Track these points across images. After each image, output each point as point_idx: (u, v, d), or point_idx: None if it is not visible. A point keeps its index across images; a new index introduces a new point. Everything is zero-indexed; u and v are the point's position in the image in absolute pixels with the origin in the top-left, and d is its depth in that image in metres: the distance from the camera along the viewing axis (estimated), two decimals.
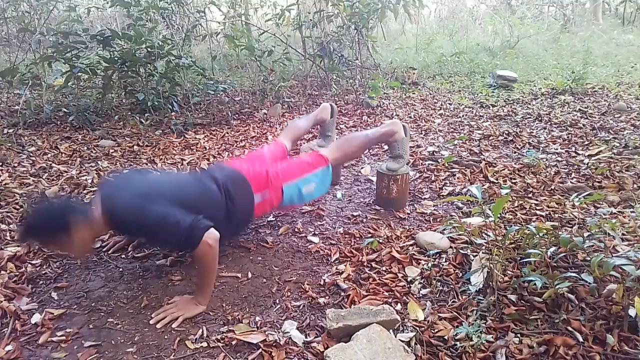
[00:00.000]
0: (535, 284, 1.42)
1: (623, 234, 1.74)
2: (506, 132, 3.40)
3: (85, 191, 2.48)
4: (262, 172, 1.90)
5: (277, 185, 1.89)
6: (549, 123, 3.61)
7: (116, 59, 3.71)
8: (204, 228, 1.49)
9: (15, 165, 2.84)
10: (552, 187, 2.43)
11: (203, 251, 1.48)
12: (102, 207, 1.51)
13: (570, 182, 2.48)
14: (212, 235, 1.49)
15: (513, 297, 1.50)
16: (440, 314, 1.48)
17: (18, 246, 1.91)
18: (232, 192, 1.77)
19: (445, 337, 1.36)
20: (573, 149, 3.00)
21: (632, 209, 2.00)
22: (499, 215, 1.72)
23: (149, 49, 3.73)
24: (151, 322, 1.49)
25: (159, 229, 1.47)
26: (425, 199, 2.42)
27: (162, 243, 1.59)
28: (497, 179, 2.58)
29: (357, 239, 2.01)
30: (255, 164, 1.96)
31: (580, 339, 1.32)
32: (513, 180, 2.56)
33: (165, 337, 1.43)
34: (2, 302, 1.55)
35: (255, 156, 2.11)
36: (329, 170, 2.04)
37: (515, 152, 3.04)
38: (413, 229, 2.08)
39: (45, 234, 1.46)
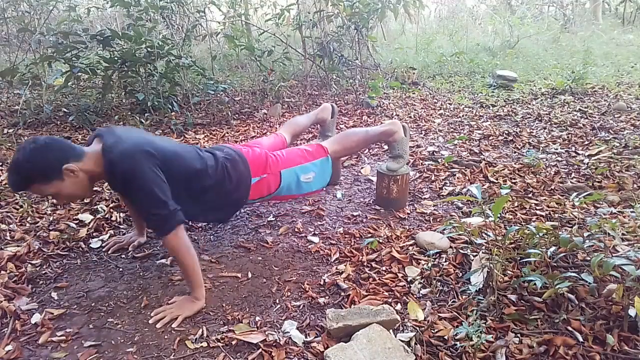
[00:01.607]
0: (535, 284, 1.42)
1: (623, 234, 1.74)
2: (506, 132, 3.40)
3: None
4: (262, 154, 1.91)
5: (275, 170, 1.90)
6: (549, 123, 3.61)
7: (116, 59, 3.71)
8: (178, 222, 1.51)
9: None
10: (552, 187, 2.43)
11: (172, 242, 1.50)
12: (103, 153, 1.49)
13: (570, 182, 2.48)
14: (180, 231, 1.52)
15: (513, 297, 1.50)
16: (440, 314, 1.48)
17: (18, 246, 1.91)
18: (230, 169, 1.79)
19: (445, 337, 1.36)
20: (573, 148, 3.00)
21: (632, 209, 2.00)
22: (499, 215, 1.72)
23: (149, 49, 3.72)
24: (151, 321, 1.49)
25: (141, 194, 1.48)
26: (425, 199, 2.42)
27: (138, 206, 1.57)
28: (497, 179, 2.58)
29: (357, 239, 2.01)
30: (255, 147, 1.97)
31: (580, 339, 1.32)
32: (513, 180, 2.56)
33: (165, 337, 1.43)
34: (2, 302, 1.55)
35: (255, 142, 2.14)
36: (328, 162, 2.04)
37: (515, 152, 3.04)
38: (413, 229, 2.09)
39: (38, 183, 1.43)
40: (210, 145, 3.31)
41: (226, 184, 1.78)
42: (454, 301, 1.55)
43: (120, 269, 1.81)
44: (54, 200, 1.65)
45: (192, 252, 1.55)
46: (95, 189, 2.50)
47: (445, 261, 1.78)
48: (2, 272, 1.73)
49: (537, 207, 2.19)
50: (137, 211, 1.90)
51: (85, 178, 1.52)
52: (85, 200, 2.37)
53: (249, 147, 2.00)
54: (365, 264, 1.80)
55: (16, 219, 2.16)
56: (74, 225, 2.12)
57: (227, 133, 3.60)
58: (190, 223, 2.17)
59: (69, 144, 1.50)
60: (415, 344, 1.36)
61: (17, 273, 1.75)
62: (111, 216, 2.22)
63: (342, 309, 1.49)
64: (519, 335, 1.36)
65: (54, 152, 1.44)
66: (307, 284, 1.68)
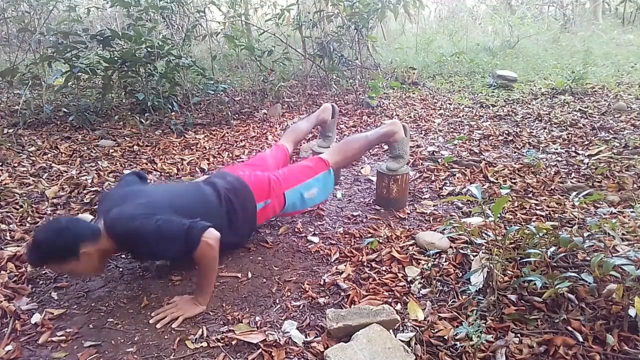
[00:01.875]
0: (535, 284, 1.42)
1: (623, 234, 1.74)
2: (506, 132, 3.40)
3: (85, 191, 2.48)
4: (264, 179, 1.90)
5: (278, 193, 1.90)
6: (549, 123, 3.61)
7: (116, 59, 3.71)
8: (203, 228, 1.49)
9: (15, 165, 2.85)
10: (552, 187, 2.43)
11: (203, 251, 1.47)
12: (104, 224, 1.51)
13: (570, 182, 2.48)
14: (211, 234, 1.49)
15: (513, 297, 1.50)
16: (440, 314, 1.48)
17: (18, 246, 1.91)
18: (233, 201, 1.77)
19: (445, 337, 1.36)
20: (573, 148, 3.00)
21: (632, 209, 2.00)
22: (499, 215, 1.72)
23: (149, 49, 3.72)
24: (151, 322, 1.49)
25: (158, 237, 1.46)
26: (425, 199, 2.42)
27: (164, 252, 1.54)
28: (497, 179, 2.58)
29: (357, 239, 2.01)
30: (257, 170, 1.96)
31: (580, 339, 1.32)
32: (513, 180, 2.56)
33: (165, 337, 1.43)
34: (2, 302, 1.55)
35: (257, 162, 2.11)
36: (330, 174, 2.05)
37: (515, 152, 3.04)
38: (413, 229, 2.09)
39: (55, 262, 1.45)
40: (210, 145, 3.31)
41: (232, 215, 1.76)
42: (454, 301, 1.55)
43: (120, 269, 1.81)
44: (70, 276, 1.71)
45: (217, 264, 1.55)
46: (95, 189, 2.50)
47: (445, 261, 1.78)
48: (2, 272, 1.73)
49: (537, 207, 2.19)
50: (166, 257, 1.82)
51: (101, 256, 1.54)
52: (85, 200, 2.38)
53: (252, 168, 1.98)
54: (365, 264, 1.80)
55: (16, 219, 2.16)
56: None
57: (227, 133, 3.60)
58: None
59: (87, 226, 1.52)
60: (415, 344, 1.36)
61: (17, 273, 1.75)
62: None
63: (342, 309, 1.49)
64: (519, 335, 1.36)
65: (73, 235, 1.45)
66: (307, 284, 1.68)
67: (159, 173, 2.79)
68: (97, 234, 1.50)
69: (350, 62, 5.29)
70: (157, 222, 1.47)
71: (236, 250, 1.94)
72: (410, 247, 1.89)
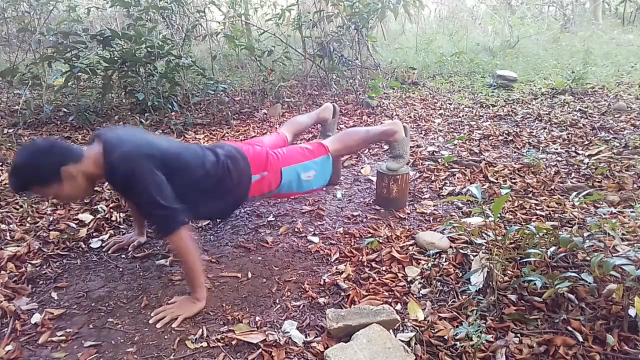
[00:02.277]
0: (535, 284, 1.42)
1: (623, 234, 1.74)
2: (506, 132, 3.40)
3: None
4: (262, 152, 1.91)
5: (276, 168, 1.90)
6: (549, 123, 3.61)
7: (116, 59, 3.71)
8: (180, 223, 1.51)
9: None
10: (552, 187, 2.43)
11: (175, 243, 1.50)
12: (104, 155, 1.49)
13: (570, 182, 2.48)
14: (183, 233, 1.51)
15: (513, 297, 1.50)
16: (440, 314, 1.48)
17: (18, 246, 1.91)
18: (230, 167, 1.79)
19: (445, 337, 1.36)
20: (573, 148, 3.00)
21: (632, 209, 2.00)
22: (499, 215, 1.72)
23: (149, 49, 3.72)
24: (151, 321, 1.49)
25: (142, 197, 1.48)
26: (425, 199, 2.42)
27: (142, 209, 1.58)
28: (497, 179, 2.58)
29: (357, 239, 2.01)
30: (256, 145, 1.97)
31: (580, 339, 1.32)
32: (513, 180, 2.56)
33: (165, 337, 1.43)
34: (2, 302, 1.55)
35: (256, 140, 2.14)
36: (329, 160, 2.04)
37: (515, 152, 3.04)
38: (413, 229, 2.09)
39: (37, 185, 1.43)
40: (210, 145, 3.31)
41: (227, 181, 1.79)
42: (454, 301, 1.55)
43: (120, 269, 1.81)
44: (55, 200, 1.66)
45: (195, 253, 1.55)
46: (95, 188, 2.50)
47: (445, 261, 1.78)
48: (2, 272, 1.73)
49: (537, 207, 2.19)
50: (139, 213, 1.90)
51: (85, 179, 1.52)
52: (85, 200, 2.37)
53: (250, 145, 2.00)
54: (365, 264, 1.80)
55: (16, 219, 2.16)
56: (74, 225, 2.12)
57: (227, 133, 3.60)
58: (191, 222, 2.17)
59: (67, 146, 1.50)
60: (415, 344, 1.36)
61: (17, 273, 1.75)
62: (111, 216, 2.22)
63: (342, 309, 1.49)
64: (519, 335, 1.36)
65: (53, 154, 1.44)
66: (307, 284, 1.68)
67: None
68: (80, 154, 1.49)
69: (350, 62, 5.29)
70: (154, 183, 1.47)
71: (235, 249, 1.94)
72: (410, 247, 1.89)
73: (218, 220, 2.19)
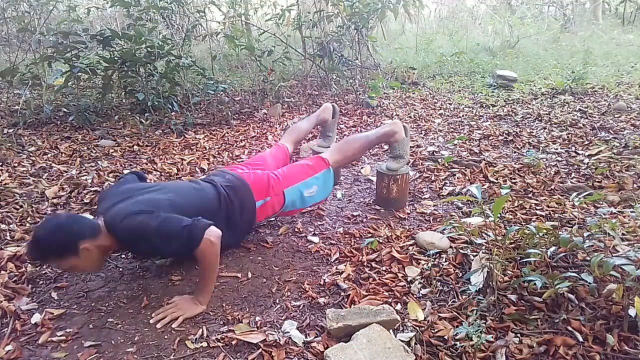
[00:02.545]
0: (535, 284, 1.42)
1: (623, 234, 1.74)
2: (506, 132, 3.40)
3: (85, 191, 2.48)
4: (263, 177, 1.90)
5: (278, 190, 1.90)
6: (549, 123, 3.61)
7: (116, 59, 3.71)
8: (205, 226, 1.49)
9: (15, 165, 2.84)
10: (552, 187, 2.43)
11: (205, 249, 1.47)
12: (104, 222, 1.51)
13: (570, 182, 2.48)
14: (213, 232, 1.49)
15: (513, 297, 1.50)
16: (440, 314, 1.48)
17: (18, 246, 1.91)
18: (232, 198, 1.77)
19: (445, 337, 1.36)
20: (573, 148, 3.00)
21: (632, 209, 2.00)
22: (499, 215, 1.72)
23: (149, 49, 3.72)
24: (151, 321, 1.49)
25: (159, 234, 1.47)
26: (425, 199, 2.42)
27: (165, 249, 1.56)
28: (497, 179, 2.58)
29: (357, 239, 2.01)
30: (257, 168, 1.96)
31: (580, 339, 1.32)
32: (513, 180, 2.56)
33: (165, 337, 1.43)
34: (2, 302, 1.55)
35: (257, 161, 2.11)
36: (330, 173, 2.05)
37: (515, 152, 3.04)
38: (413, 229, 2.08)
39: (55, 257, 1.46)
40: (210, 145, 3.31)
41: (230, 212, 1.76)
42: (454, 301, 1.55)
43: (120, 269, 1.81)
44: (70, 271, 1.72)
45: (218, 263, 1.55)
46: (95, 189, 2.50)
47: (445, 261, 1.78)
48: (2, 272, 1.73)
49: (537, 207, 2.19)
50: (167, 254, 1.82)
51: (101, 252, 1.54)
52: (85, 200, 2.38)
53: (251, 167, 1.98)
54: (365, 264, 1.80)
55: (16, 219, 2.16)
56: None
57: (227, 133, 3.60)
58: None
59: (86, 222, 1.52)
60: (415, 344, 1.36)
61: (17, 273, 1.75)
62: None
63: (342, 309, 1.49)
64: (519, 335, 1.36)
65: (72, 231, 1.45)
66: (307, 284, 1.68)
67: (159, 173, 2.78)
68: (96, 230, 1.50)
69: (350, 62, 5.29)
70: (158, 219, 1.47)
71: (236, 249, 1.94)
72: (410, 247, 1.89)
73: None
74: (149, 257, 1.84)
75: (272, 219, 2.21)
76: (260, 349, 1.35)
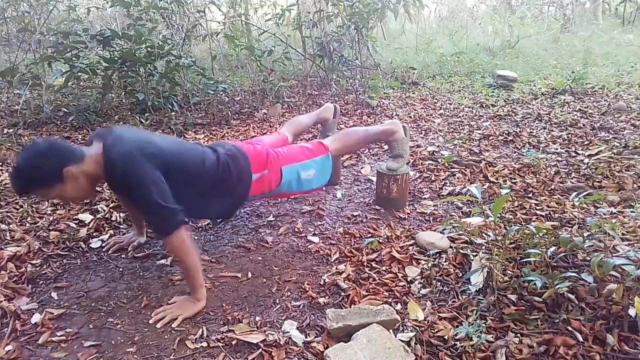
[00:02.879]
0: (535, 284, 1.42)
1: (623, 234, 1.74)
2: (506, 132, 3.40)
3: None
4: (263, 151, 1.91)
5: (276, 166, 1.91)
6: (549, 123, 3.61)
7: (116, 59, 3.71)
8: (179, 222, 1.51)
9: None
10: (552, 187, 2.43)
11: (174, 243, 1.49)
12: (104, 154, 1.49)
13: (570, 182, 2.48)
14: (181, 233, 1.51)
15: (513, 297, 1.50)
16: (440, 314, 1.48)
17: (18, 246, 1.91)
18: (230, 166, 1.79)
19: (445, 337, 1.36)
20: (573, 148, 3.00)
21: (632, 209, 2.00)
22: (499, 215, 1.72)
23: (149, 49, 3.72)
24: (151, 321, 1.49)
25: (141, 197, 1.48)
26: (425, 198, 2.42)
27: (139, 209, 1.60)
28: (497, 179, 2.58)
29: (357, 239, 2.01)
30: (256, 144, 1.97)
31: (580, 339, 1.32)
32: (513, 180, 2.56)
33: (165, 337, 1.43)
34: (2, 302, 1.55)
35: (256, 140, 2.14)
36: (329, 159, 2.04)
37: (515, 152, 3.04)
38: (413, 228, 2.08)
39: (40, 187, 1.43)
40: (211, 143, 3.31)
41: (227, 180, 1.78)
42: (454, 301, 1.55)
43: (120, 269, 1.81)
44: (58, 201, 1.65)
45: (194, 253, 1.55)
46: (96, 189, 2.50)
47: (445, 261, 1.78)
48: (2, 272, 1.73)
49: (537, 207, 2.19)
50: (138, 212, 1.89)
51: (87, 180, 1.51)
52: (87, 200, 2.37)
53: (251, 144, 2.00)
54: (365, 264, 1.80)
55: (16, 219, 2.16)
56: (74, 225, 2.12)
57: (227, 133, 3.60)
58: (190, 222, 2.17)
59: (69, 147, 1.50)
60: (415, 344, 1.36)
61: (17, 273, 1.75)
62: (111, 216, 2.22)
63: (342, 309, 1.48)
64: (519, 335, 1.36)
65: (54, 156, 1.44)
66: (307, 284, 1.68)
67: None
68: (81, 155, 1.49)
69: (350, 62, 5.29)
70: (149, 182, 1.47)
71: (235, 249, 1.94)
72: (410, 247, 1.89)
73: (218, 220, 2.19)
74: (119, 198, 1.83)
75: (272, 218, 2.21)
76: (260, 349, 1.35)
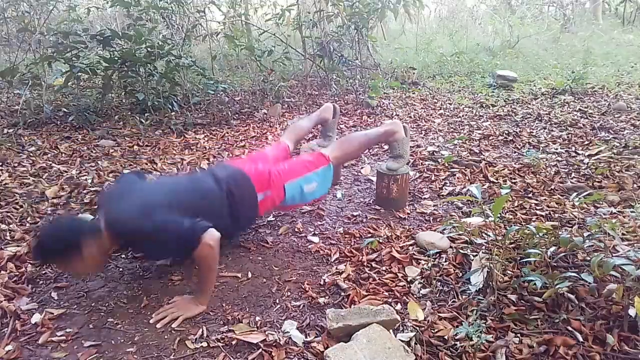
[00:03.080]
0: (535, 284, 1.42)
1: (623, 234, 1.74)
2: (506, 132, 3.40)
3: (85, 191, 2.48)
4: (265, 171, 1.90)
5: (279, 185, 1.90)
6: (549, 123, 3.61)
7: (116, 59, 3.71)
8: (203, 228, 1.49)
9: (15, 165, 2.84)
10: (552, 187, 2.43)
11: (203, 251, 1.48)
12: (105, 223, 1.51)
13: (570, 182, 2.48)
14: (211, 235, 1.50)
15: (513, 297, 1.50)
16: (440, 314, 1.48)
17: (18, 246, 1.91)
18: (234, 191, 1.77)
19: (445, 337, 1.36)
20: (573, 148, 3.00)
21: (632, 209, 2.00)
22: (499, 215, 1.72)
23: (149, 49, 3.72)
24: (151, 322, 1.49)
25: (159, 236, 1.47)
26: (425, 198, 2.42)
27: (164, 251, 1.58)
28: (497, 179, 2.58)
29: (357, 239, 2.01)
30: (258, 163, 1.97)
31: (580, 339, 1.32)
32: (513, 180, 2.56)
33: (165, 337, 1.43)
34: (2, 302, 1.55)
35: (258, 156, 2.12)
36: (330, 170, 2.05)
37: (515, 152, 3.04)
38: (413, 228, 2.08)
39: (58, 257, 1.46)
40: (210, 145, 3.31)
41: (232, 206, 1.76)
42: (454, 301, 1.55)
43: (120, 269, 1.81)
44: (74, 274, 1.71)
45: (217, 264, 1.56)
46: (95, 189, 2.50)
47: (445, 261, 1.78)
48: (2, 272, 1.73)
49: (537, 207, 2.19)
50: (166, 256, 1.83)
51: (102, 252, 1.54)
52: (85, 200, 2.38)
53: (253, 162, 1.99)
54: (365, 264, 1.80)
55: (16, 219, 2.16)
56: None
57: (227, 133, 3.60)
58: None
59: (88, 224, 1.55)
60: (415, 344, 1.36)
61: (17, 273, 1.75)
62: None
63: (342, 309, 1.48)
64: (519, 335, 1.36)
65: (75, 232, 1.46)
66: (307, 284, 1.68)
67: (159, 173, 2.78)
68: (98, 230, 1.51)
69: (350, 62, 5.29)
70: (155, 222, 1.47)
71: (235, 249, 1.94)
72: (410, 247, 1.89)
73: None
74: (150, 259, 1.84)
75: (272, 218, 2.21)
76: (260, 349, 1.35)
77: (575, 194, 2.12)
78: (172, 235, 1.47)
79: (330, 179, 2.07)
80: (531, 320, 1.41)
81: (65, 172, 2.76)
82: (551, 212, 2.13)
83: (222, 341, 1.39)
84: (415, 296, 1.60)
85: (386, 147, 2.80)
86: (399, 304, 1.55)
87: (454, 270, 1.71)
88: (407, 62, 6.09)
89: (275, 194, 1.90)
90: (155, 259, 1.83)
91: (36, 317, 1.51)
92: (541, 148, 3.06)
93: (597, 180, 2.47)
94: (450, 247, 1.86)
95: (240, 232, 1.95)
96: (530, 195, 2.36)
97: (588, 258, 1.61)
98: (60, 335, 1.43)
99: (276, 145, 2.27)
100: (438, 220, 2.16)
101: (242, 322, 1.48)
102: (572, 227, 1.93)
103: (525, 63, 6.32)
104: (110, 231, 1.50)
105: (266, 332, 1.41)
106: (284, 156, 2.21)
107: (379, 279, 1.69)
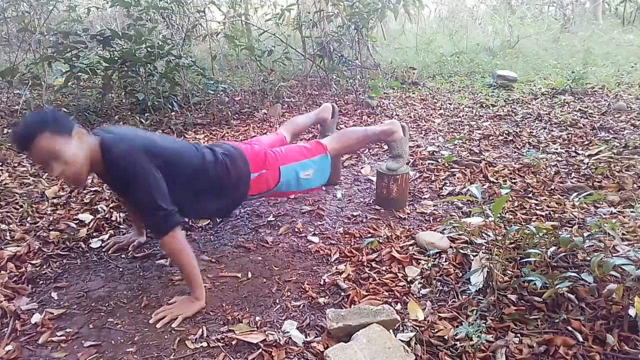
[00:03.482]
0: (535, 284, 1.42)
1: (623, 234, 1.74)
2: (506, 132, 3.40)
3: (85, 191, 2.48)
4: (261, 151, 1.93)
5: (274, 166, 1.91)
6: (549, 123, 3.61)
7: (116, 59, 3.71)
8: (175, 224, 1.52)
9: (15, 165, 2.84)
10: (552, 187, 2.43)
11: (168, 243, 1.51)
12: (103, 151, 1.49)
13: (570, 182, 2.48)
14: (176, 234, 1.52)
15: (513, 297, 1.50)
16: (440, 314, 1.48)
17: (18, 246, 1.91)
18: (229, 165, 1.80)
19: (445, 337, 1.36)
20: (573, 148, 3.00)
21: (632, 209, 2.00)
22: (499, 215, 1.72)
23: (149, 49, 3.72)
24: (151, 321, 1.49)
25: (141, 195, 1.49)
26: (425, 198, 2.42)
27: (135, 207, 1.65)
28: (497, 179, 2.58)
29: (357, 239, 2.01)
30: (254, 145, 1.99)
31: (580, 339, 1.32)
32: (513, 180, 2.56)
33: (165, 337, 1.43)
34: (2, 302, 1.55)
35: (254, 140, 2.15)
36: (327, 159, 2.04)
37: (515, 152, 3.04)
38: (413, 228, 2.08)
39: (48, 129, 1.37)
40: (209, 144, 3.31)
41: (225, 179, 1.79)
42: (454, 301, 1.55)
43: (120, 269, 1.81)
44: (56, 171, 1.45)
45: (190, 253, 1.55)
46: (95, 189, 2.50)
47: (445, 261, 1.78)
48: (2, 272, 1.73)
49: (537, 207, 2.19)
50: (135, 209, 1.93)
51: (88, 156, 1.48)
52: (85, 200, 2.37)
53: (249, 144, 2.01)
54: (365, 264, 1.80)
55: (16, 219, 2.16)
56: (74, 225, 2.12)
57: (227, 133, 3.60)
58: (190, 222, 2.17)
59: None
60: (415, 344, 1.36)
61: (17, 273, 1.75)
62: (111, 216, 2.22)
63: (342, 309, 1.48)
64: (519, 335, 1.36)
65: (71, 121, 1.49)
66: (307, 284, 1.68)
67: None
68: (94, 138, 1.52)
69: (350, 62, 5.29)
70: (151, 180, 1.49)
71: (235, 249, 1.94)
72: (410, 247, 1.89)
73: (218, 220, 2.19)
74: (117, 194, 1.86)
75: (272, 218, 2.21)
76: (260, 349, 1.35)
77: (575, 194, 2.12)
78: (149, 204, 1.49)
79: (327, 169, 2.06)
80: (531, 320, 1.41)
81: None
82: (551, 212, 2.13)
83: (222, 341, 1.39)
84: (415, 296, 1.60)
85: (386, 147, 2.80)
86: (399, 304, 1.55)
87: (454, 270, 1.71)
88: (407, 62, 6.09)
89: (270, 175, 1.91)
90: (119, 195, 1.93)
91: (36, 317, 1.51)
92: (541, 148, 3.06)
93: (597, 180, 2.47)
94: (450, 247, 1.86)
95: (229, 209, 1.97)
96: (530, 195, 2.36)
97: (588, 258, 1.61)
98: (60, 335, 1.43)
99: (273, 135, 2.28)
100: (438, 220, 2.16)
101: (242, 322, 1.48)
102: (572, 227, 1.93)
103: (525, 63, 6.32)
104: (103, 149, 1.49)
105: (266, 332, 1.41)
106: (280, 145, 2.22)
107: (379, 279, 1.69)
